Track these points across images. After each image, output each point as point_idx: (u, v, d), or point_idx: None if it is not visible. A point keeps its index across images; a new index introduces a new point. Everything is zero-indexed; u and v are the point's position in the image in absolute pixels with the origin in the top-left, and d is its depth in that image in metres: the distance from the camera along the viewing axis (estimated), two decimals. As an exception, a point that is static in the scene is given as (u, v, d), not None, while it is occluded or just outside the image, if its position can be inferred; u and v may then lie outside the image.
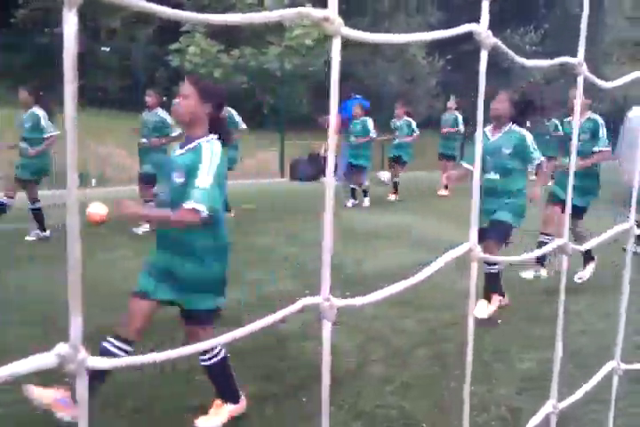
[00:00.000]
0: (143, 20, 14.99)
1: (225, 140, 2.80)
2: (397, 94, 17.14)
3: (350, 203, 9.70)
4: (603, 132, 5.21)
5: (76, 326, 0.35)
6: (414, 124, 10.96)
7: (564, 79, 21.80)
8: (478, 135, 0.62)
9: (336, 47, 0.48)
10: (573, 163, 0.75)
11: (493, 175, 4.46)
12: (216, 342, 0.47)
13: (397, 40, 0.51)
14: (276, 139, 13.85)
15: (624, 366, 0.89)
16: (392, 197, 10.70)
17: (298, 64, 15.00)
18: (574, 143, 0.73)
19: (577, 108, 0.72)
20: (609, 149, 5.26)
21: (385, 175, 12.91)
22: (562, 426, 2.92)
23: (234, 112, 7.96)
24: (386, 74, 17.01)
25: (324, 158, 12.06)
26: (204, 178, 2.56)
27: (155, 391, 3.18)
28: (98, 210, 7.26)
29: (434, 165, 15.27)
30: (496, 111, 4.61)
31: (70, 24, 0.33)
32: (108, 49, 14.18)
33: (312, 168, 12.40)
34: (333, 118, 0.51)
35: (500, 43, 0.58)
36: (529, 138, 4.59)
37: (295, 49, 14.88)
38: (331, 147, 0.52)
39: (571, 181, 0.79)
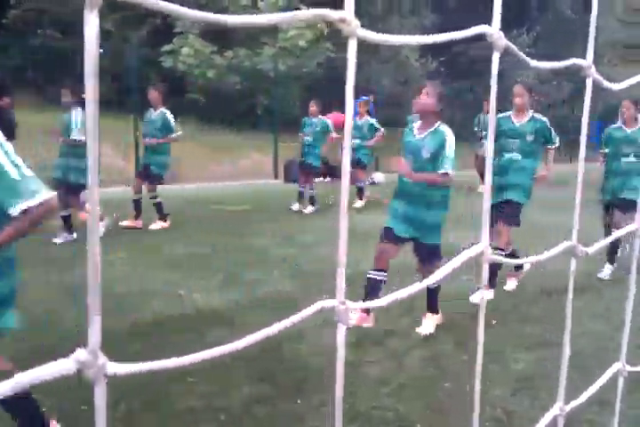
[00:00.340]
0: (136, 22, 14.96)
1: (7, 135, 2.32)
2: (390, 96, 17.18)
3: (296, 206, 8.96)
4: (552, 131, 5.13)
5: (94, 331, 0.35)
6: (377, 124, 10.05)
7: (556, 81, 21.91)
8: (490, 137, 0.61)
9: (352, 48, 0.48)
10: (582, 170, 0.75)
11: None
12: (235, 347, 0.46)
13: (412, 41, 0.51)
14: (269, 140, 13.84)
15: (629, 368, 0.89)
16: (358, 203, 9.62)
17: (292, 65, 15.00)
18: (582, 149, 0.73)
19: (585, 110, 0.72)
20: (557, 144, 5.23)
21: (379, 176, 12.72)
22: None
23: (170, 116, 7.37)
24: (379, 76, 17.04)
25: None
26: (13, 170, 2.12)
27: (148, 393, 3.17)
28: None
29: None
30: (418, 106, 4.03)
31: (92, 25, 0.32)
32: (101, 50, 14.13)
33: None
34: (349, 119, 0.51)
35: (512, 45, 0.57)
36: (449, 142, 3.96)
37: (289, 50, 14.89)
38: (346, 148, 0.51)
39: (579, 190, 0.79)
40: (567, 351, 0.80)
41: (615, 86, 0.76)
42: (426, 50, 18.61)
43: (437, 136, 3.93)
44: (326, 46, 15.18)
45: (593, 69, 0.68)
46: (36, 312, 4.13)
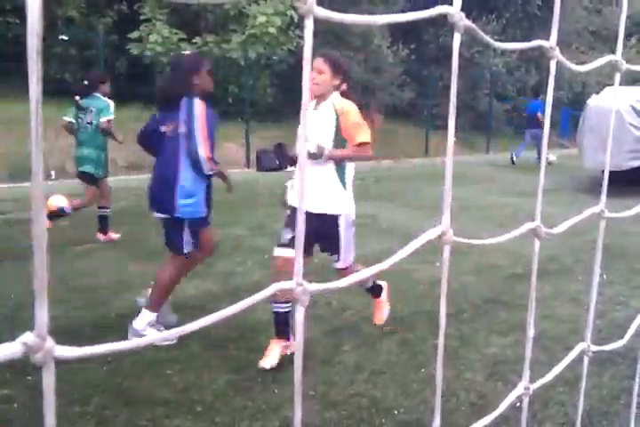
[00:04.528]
0: (102, 9, 14.65)
1: None
2: (362, 83, 17.16)
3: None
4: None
5: (41, 314, 0.34)
6: None
7: (524, 68, 22.11)
8: (451, 123, 0.61)
9: (309, 27, 0.47)
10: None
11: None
12: (189, 329, 0.46)
13: (371, 21, 0.50)
14: (240, 129, 13.74)
15: (594, 348, 0.91)
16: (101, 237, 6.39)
17: (261, 53, 14.86)
18: (546, 133, 0.73)
19: (549, 92, 0.72)
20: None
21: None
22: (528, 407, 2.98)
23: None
24: (351, 63, 17.01)
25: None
26: None
27: (121, 387, 3.14)
28: (59, 202, 7.14)
29: (399, 153, 15.37)
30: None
31: (35, 6, 0.31)
32: (66, 38, 13.80)
33: (277, 158, 12.33)
34: (306, 103, 0.50)
35: (474, 26, 0.57)
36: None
37: (258, 37, 14.73)
38: (303, 135, 0.50)
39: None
40: (531, 331, 0.81)
41: (580, 68, 0.77)
42: (397, 37, 18.59)
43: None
44: (296, 33, 15.05)
45: (557, 51, 0.68)
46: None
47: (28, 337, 0.34)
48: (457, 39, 0.57)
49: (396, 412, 2.99)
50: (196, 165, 3.55)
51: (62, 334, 3.66)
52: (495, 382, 3.30)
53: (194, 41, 14.60)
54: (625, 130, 9.80)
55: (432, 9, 0.55)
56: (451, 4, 0.59)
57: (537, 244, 0.74)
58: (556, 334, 3.95)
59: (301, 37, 14.70)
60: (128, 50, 14.26)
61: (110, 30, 14.31)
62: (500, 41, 0.70)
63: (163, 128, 3.61)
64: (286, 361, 3.41)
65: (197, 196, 3.62)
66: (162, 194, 3.58)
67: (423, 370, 3.42)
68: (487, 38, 0.61)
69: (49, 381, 0.36)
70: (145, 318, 3.68)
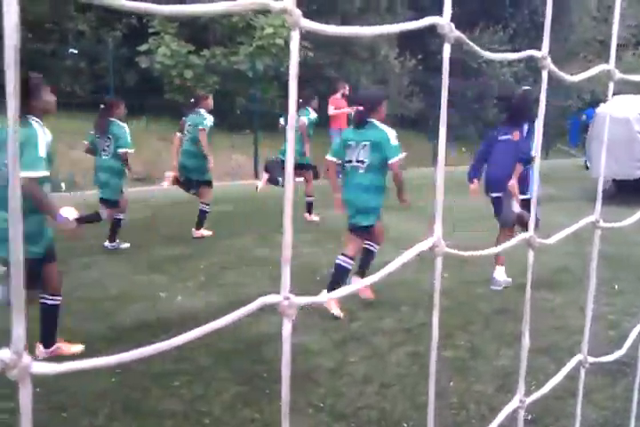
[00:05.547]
0: (111, 22, 14.81)
1: None
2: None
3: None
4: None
5: (18, 330, 0.34)
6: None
7: (532, 78, 22.09)
8: (442, 133, 0.61)
9: (295, 39, 0.47)
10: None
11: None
12: (180, 342, 0.45)
13: (358, 33, 0.50)
14: (249, 140, 13.79)
15: (591, 359, 0.90)
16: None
17: (269, 64, 14.93)
18: (538, 143, 0.73)
19: (542, 105, 0.72)
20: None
21: None
22: (538, 419, 2.93)
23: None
24: (358, 75, 17.04)
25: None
26: None
27: (130, 398, 3.14)
28: (68, 214, 7.18)
29: (407, 163, 15.36)
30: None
31: (12, 11, 0.31)
32: (76, 51, 13.94)
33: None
34: (292, 116, 0.50)
35: (464, 36, 0.57)
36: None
37: (266, 49, 14.81)
38: (289, 147, 0.50)
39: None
40: (527, 343, 0.81)
41: (572, 78, 0.77)
42: (404, 48, 18.63)
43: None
44: (304, 44, 15.11)
45: (548, 61, 0.68)
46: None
47: (4, 354, 0.34)
48: (447, 50, 0.57)
49: (405, 425, 2.97)
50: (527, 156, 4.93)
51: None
52: (505, 394, 3.26)
53: (202, 53, 14.70)
54: (634, 139, 9.74)
55: (421, 20, 0.55)
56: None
57: (531, 254, 0.73)
58: (568, 345, 3.90)
59: (309, 49, 14.79)
60: (137, 63, 14.38)
61: (120, 43, 14.44)
62: (508, 51, 0.70)
63: (505, 137, 5.21)
64: (292, 372, 3.40)
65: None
66: (504, 179, 4.99)
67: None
68: (477, 49, 0.61)
69: (25, 396, 0.36)
70: (501, 272, 5.20)
